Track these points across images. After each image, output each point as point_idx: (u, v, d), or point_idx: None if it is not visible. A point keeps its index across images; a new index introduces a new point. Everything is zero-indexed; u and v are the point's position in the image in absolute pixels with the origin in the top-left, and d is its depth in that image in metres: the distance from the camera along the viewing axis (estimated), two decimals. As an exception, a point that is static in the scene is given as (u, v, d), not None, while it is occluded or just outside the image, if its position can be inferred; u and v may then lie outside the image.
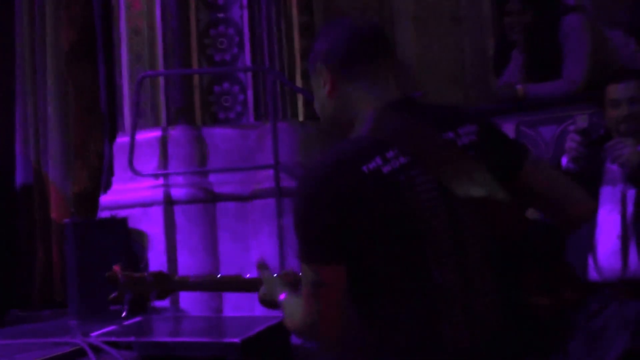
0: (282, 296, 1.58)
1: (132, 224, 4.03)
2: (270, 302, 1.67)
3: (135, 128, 4.01)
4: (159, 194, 4.04)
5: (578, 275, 1.60)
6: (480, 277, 1.49)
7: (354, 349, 1.50)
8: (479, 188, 1.49)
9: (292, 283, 1.64)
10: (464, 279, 1.47)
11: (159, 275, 1.90)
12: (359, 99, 1.55)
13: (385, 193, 1.44)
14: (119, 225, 3.99)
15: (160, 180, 4.10)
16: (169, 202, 4.01)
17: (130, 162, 4.00)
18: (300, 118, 4.29)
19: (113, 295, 1.87)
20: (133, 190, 4.14)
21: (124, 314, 1.89)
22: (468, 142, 1.51)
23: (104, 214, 4.19)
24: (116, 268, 1.88)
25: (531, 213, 1.63)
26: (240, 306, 3.90)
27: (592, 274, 2.69)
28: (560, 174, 1.81)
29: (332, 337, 1.48)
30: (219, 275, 2.27)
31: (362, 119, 1.52)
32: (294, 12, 4.32)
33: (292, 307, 1.53)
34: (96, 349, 3.05)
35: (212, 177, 4.10)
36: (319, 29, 4.35)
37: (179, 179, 4.09)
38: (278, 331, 3.46)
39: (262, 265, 1.70)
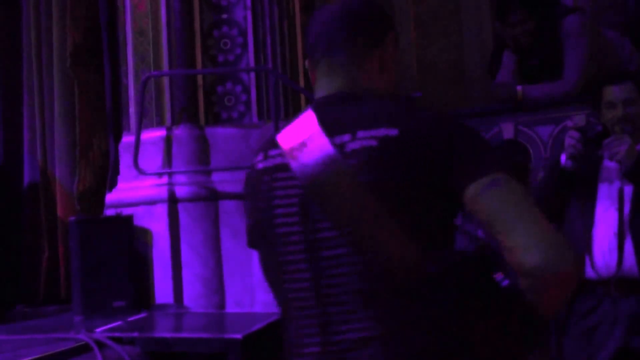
0: None
1: (136, 221, 4.05)
2: None
3: (140, 127, 4.03)
4: (163, 192, 4.06)
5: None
6: (345, 306, 1.26)
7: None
8: (348, 206, 1.23)
9: None
10: (321, 302, 1.28)
11: None
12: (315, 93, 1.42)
13: (252, 192, 1.39)
14: (123, 223, 4.01)
15: (165, 179, 4.12)
16: (173, 200, 4.03)
17: (135, 161, 4.03)
18: (303, 118, 4.31)
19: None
20: (138, 189, 4.17)
21: None
22: (359, 147, 1.24)
23: (109, 212, 4.21)
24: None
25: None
26: (241, 303, 3.93)
27: (589, 272, 2.68)
28: (517, 206, 1.22)
29: None
30: None
31: None
32: (297, 13, 4.35)
33: None
34: (100, 344, 3.08)
35: (215, 176, 4.13)
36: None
37: (183, 178, 4.11)
38: (279, 328, 3.50)
39: None
